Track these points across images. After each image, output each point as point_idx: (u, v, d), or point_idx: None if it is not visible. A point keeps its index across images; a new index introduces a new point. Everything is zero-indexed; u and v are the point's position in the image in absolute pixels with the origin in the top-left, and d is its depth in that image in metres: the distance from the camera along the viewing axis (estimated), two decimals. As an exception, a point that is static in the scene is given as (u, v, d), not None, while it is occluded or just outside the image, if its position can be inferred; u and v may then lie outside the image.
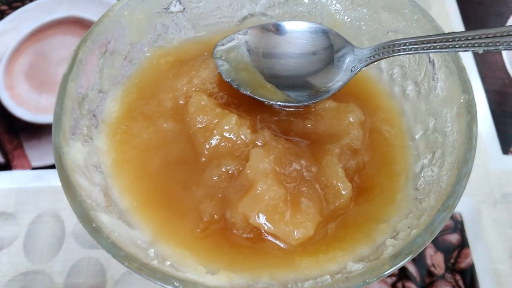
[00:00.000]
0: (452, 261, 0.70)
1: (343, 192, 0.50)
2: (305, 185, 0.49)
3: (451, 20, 0.97)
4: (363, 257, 0.46)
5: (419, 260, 0.69)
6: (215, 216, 0.50)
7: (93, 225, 0.41)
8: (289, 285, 0.43)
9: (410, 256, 0.40)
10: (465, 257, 0.70)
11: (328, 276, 0.42)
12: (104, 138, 0.55)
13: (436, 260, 0.70)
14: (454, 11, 0.98)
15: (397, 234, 0.45)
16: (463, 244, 0.71)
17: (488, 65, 0.90)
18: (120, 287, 0.65)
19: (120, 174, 0.52)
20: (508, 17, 0.98)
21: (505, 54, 0.92)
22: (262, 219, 0.47)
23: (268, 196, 0.47)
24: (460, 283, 0.68)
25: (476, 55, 0.91)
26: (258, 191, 0.47)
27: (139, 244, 0.45)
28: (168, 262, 0.45)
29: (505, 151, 0.81)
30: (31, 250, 0.68)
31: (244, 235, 0.49)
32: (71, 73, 0.50)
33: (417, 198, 0.50)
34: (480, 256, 0.70)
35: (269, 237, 0.49)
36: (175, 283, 0.38)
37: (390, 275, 0.68)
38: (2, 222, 0.70)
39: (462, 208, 0.74)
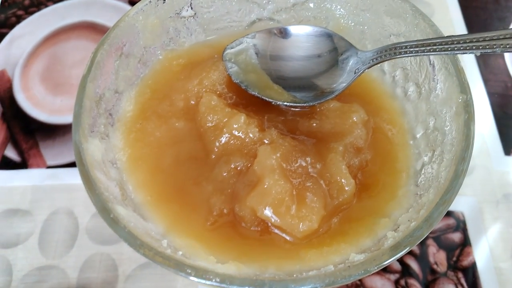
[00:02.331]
0: (454, 259, 0.70)
1: (346, 188, 0.51)
2: (310, 180, 0.50)
3: (455, 25, 0.97)
4: (365, 249, 0.47)
5: (421, 257, 0.70)
6: (224, 210, 0.51)
7: (111, 215, 0.42)
8: (295, 275, 0.45)
9: (409, 247, 0.41)
10: (467, 255, 0.71)
11: (332, 266, 0.44)
12: (119, 136, 0.56)
13: (438, 258, 0.70)
14: (457, 16, 0.98)
15: (398, 227, 0.46)
16: (465, 242, 0.72)
17: (490, 69, 0.91)
18: (131, 282, 0.67)
19: (135, 170, 0.54)
20: (511, 22, 0.99)
21: (507, 57, 0.93)
22: (269, 213, 0.48)
23: (275, 191, 0.48)
24: (462, 280, 0.69)
25: (479, 59, 0.92)
26: (265, 186, 0.48)
27: (153, 235, 0.47)
28: (180, 252, 0.46)
29: (507, 152, 0.81)
30: (46, 245, 0.69)
31: (252, 228, 0.50)
32: (90, 74, 0.52)
33: (417, 194, 0.51)
34: (482, 255, 0.71)
35: (276, 230, 0.50)
36: (188, 270, 0.40)
37: (393, 272, 0.69)
38: (18, 218, 0.72)
39: (464, 207, 0.75)
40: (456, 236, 0.73)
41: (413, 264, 0.70)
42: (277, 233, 0.50)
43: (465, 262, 0.70)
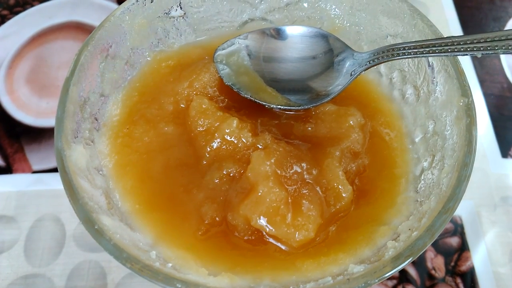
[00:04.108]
0: (452, 264, 0.70)
1: (343, 195, 0.50)
2: (306, 187, 0.49)
3: (450, 25, 0.97)
4: (364, 259, 0.46)
5: (419, 263, 0.69)
6: (217, 219, 0.50)
7: (96, 227, 0.41)
8: (291, 287, 0.43)
9: (411, 258, 0.40)
10: (465, 260, 0.70)
11: (330, 278, 0.42)
12: (105, 141, 0.55)
13: (436, 263, 0.70)
14: (452, 16, 0.98)
15: (398, 236, 0.45)
16: (463, 247, 0.71)
17: (486, 70, 0.91)
18: (121, 290, 0.65)
19: (122, 177, 0.52)
20: (506, 22, 0.99)
21: (503, 58, 0.92)
22: (263, 222, 0.47)
23: (269, 199, 0.47)
24: (461, 286, 0.68)
25: (474, 60, 0.92)
26: (259, 194, 0.47)
27: (141, 246, 0.45)
28: (170, 264, 0.45)
29: (504, 154, 0.81)
30: (32, 253, 0.68)
31: (246, 238, 0.49)
32: (73, 77, 0.50)
33: (417, 201, 0.50)
34: (480, 259, 0.70)
35: (271, 240, 0.49)
36: (178, 284, 0.38)
37: (391, 278, 0.68)
38: (3, 225, 0.70)
39: (462, 211, 0.74)
40: (454, 241, 0.72)
41: (411, 270, 0.69)
42: (272, 243, 0.49)
43: (464, 267, 0.70)
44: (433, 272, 0.69)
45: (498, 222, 0.74)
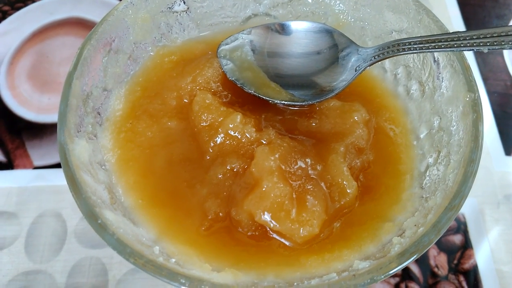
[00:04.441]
0: (455, 262, 0.69)
1: (348, 191, 0.49)
2: (310, 183, 0.49)
3: (453, 23, 0.97)
4: (369, 255, 0.45)
5: (422, 260, 0.69)
6: (220, 214, 0.49)
7: (99, 221, 0.40)
8: (295, 283, 0.43)
9: (417, 254, 0.40)
10: (468, 258, 0.70)
11: (335, 274, 0.42)
12: (108, 136, 0.55)
13: (439, 261, 0.70)
14: (455, 13, 0.98)
15: (404, 232, 0.45)
16: (467, 245, 0.71)
17: (490, 67, 0.90)
18: (122, 287, 0.65)
19: (125, 172, 0.52)
20: (509, 20, 0.98)
21: (507, 56, 0.92)
22: (267, 217, 0.47)
23: (273, 194, 0.47)
24: (464, 284, 0.68)
25: (478, 57, 0.91)
26: (263, 189, 0.47)
27: (144, 241, 0.45)
28: (173, 260, 0.44)
29: (508, 152, 0.81)
30: (33, 249, 0.67)
31: (249, 233, 0.49)
32: (76, 71, 0.50)
33: (423, 197, 0.50)
34: (483, 257, 0.70)
35: (275, 235, 0.49)
36: (182, 280, 0.38)
37: (394, 276, 0.68)
38: (4, 221, 0.70)
39: (465, 209, 0.74)
40: (457, 238, 0.72)
41: (414, 268, 0.69)
42: (276, 239, 0.49)
43: (467, 265, 0.69)
44: (436, 270, 0.69)
45: (502, 220, 0.73)
